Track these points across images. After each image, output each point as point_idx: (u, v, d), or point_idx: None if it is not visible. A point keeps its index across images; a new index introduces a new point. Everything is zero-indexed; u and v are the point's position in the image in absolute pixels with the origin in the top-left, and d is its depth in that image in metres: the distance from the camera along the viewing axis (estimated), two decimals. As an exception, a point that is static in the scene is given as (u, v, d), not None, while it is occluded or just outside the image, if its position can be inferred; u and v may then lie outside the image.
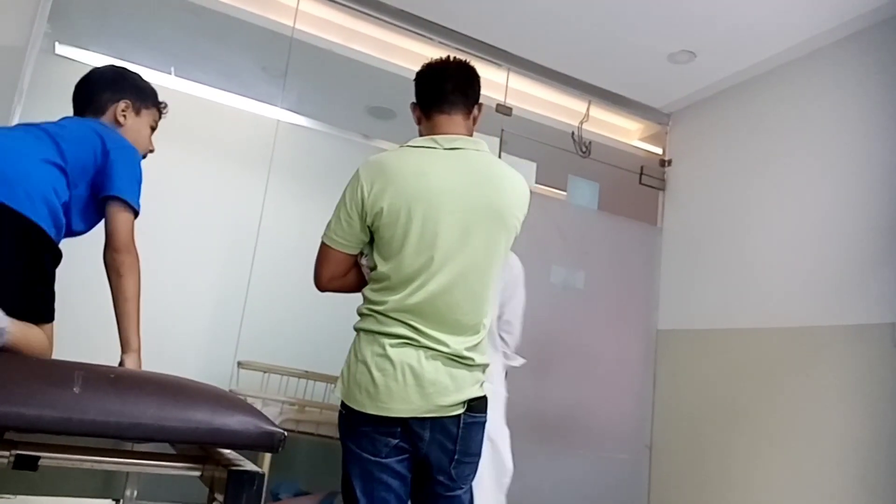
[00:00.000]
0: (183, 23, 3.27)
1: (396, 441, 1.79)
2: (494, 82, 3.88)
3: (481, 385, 1.88)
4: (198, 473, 1.40)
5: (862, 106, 3.13)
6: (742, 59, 3.64)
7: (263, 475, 1.31)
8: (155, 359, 2.16)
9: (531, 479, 3.57)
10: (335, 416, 2.52)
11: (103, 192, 1.72)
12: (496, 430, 2.46)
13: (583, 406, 3.70)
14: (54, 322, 1.66)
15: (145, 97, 1.96)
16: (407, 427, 1.78)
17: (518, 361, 2.64)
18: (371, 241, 1.88)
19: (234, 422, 1.29)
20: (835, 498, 2.86)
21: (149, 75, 3.10)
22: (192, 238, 3.21)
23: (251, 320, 3.14)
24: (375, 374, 1.75)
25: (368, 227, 1.83)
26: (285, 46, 3.32)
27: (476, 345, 1.85)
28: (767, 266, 3.41)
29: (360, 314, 1.87)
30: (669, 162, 4.29)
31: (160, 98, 2.03)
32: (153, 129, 1.99)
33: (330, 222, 1.89)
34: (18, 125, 1.76)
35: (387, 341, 1.77)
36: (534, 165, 3.83)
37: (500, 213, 1.87)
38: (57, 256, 1.65)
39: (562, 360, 3.15)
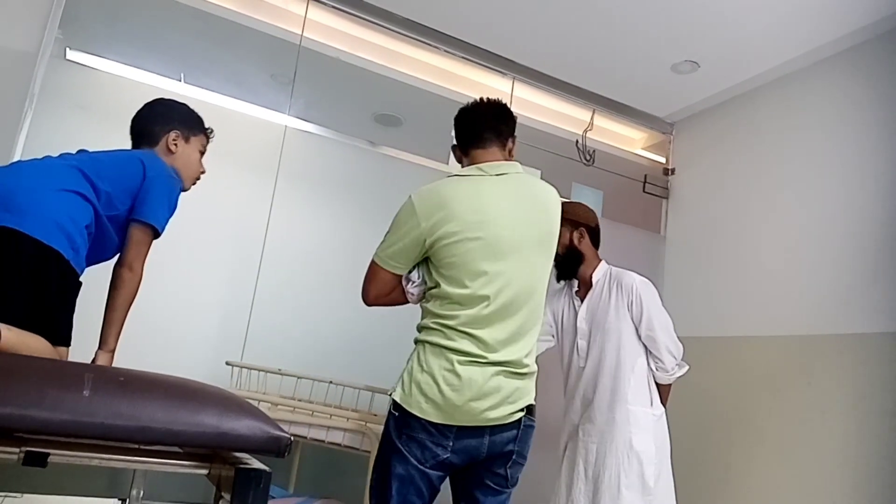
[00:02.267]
0: (193, 30, 3.30)
1: (446, 456, 1.90)
2: (499, 90, 3.90)
3: (534, 393, 2.01)
4: (205, 472, 1.41)
5: (864, 115, 3.15)
6: (745, 69, 3.67)
7: (270, 474, 1.33)
8: (160, 360, 2.20)
9: (534, 484, 3.59)
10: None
11: (131, 215, 1.87)
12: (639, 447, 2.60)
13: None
14: (69, 348, 1.74)
15: (193, 125, 2.14)
16: (465, 435, 1.89)
17: (665, 379, 2.71)
18: (426, 261, 2.00)
19: (242, 426, 1.31)
20: (835, 507, 2.87)
21: (158, 81, 3.17)
22: (200, 243, 3.23)
23: (257, 325, 3.17)
24: (444, 387, 1.86)
25: (427, 250, 1.95)
26: (293, 54, 3.36)
27: (531, 351, 1.99)
28: (770, 274, 3.42)
29: (424, 328, 1.97)
30: (673, 171, 4.32)
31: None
32: (202, 153, 2.17)
33: (383, 244, 2.02)
34: (66, 154, 1.90)
35: (455, 357, 1.88)
36: (538, 173, 3.85)
37: (548, 225, 2.05)
38: (72, 277, 1.73)
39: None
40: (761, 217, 3.56)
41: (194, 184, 2.17)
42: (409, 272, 2.02)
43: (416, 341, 1.97)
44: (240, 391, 2.65)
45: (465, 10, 3.45)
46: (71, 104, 3.06)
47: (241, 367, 2.76)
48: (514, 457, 1.96)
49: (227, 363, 2.77)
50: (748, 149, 3.75)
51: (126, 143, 2.14)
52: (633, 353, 2.66)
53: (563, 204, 2.90)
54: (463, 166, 2.13)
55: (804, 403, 3.10)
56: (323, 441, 2.61)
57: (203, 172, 2.18)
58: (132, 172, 1.88)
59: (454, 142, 2.16)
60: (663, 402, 2.72)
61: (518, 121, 3.76)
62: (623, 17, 3.33)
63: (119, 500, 2.91)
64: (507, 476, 1.97)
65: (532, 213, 2.00)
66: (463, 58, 3.75)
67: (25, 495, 2.69)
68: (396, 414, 1.92)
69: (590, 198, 4.04)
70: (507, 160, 2.09)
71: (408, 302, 2.07)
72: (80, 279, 1.78)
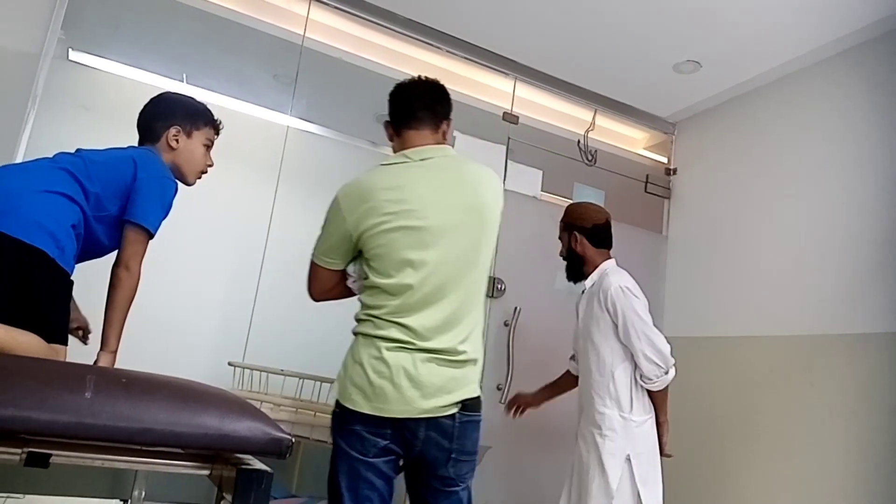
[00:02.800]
0: (195, 31, 3.30)
1: (386, 443, 1.88)
2: (501, 91, 3.91)
3: (476, 385, 1.96)
4: (207, 472, 1.42)
5: (866, 115, 3.14)
6: (747, 69, 3.66)
7: (272, 474, 1.34)
8: (163, 361, 2.21)
9: (536, 484, 3.59)
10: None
11: (123, 216, 1.86)
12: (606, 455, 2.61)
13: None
14: (66, 346, 1.75)
15: (196, 119, 2.09)
16: (400, 427, 1.87)
17: (650, 386, 2.64)
18: (360, 255, 2.00)
19: (243, 427, 1.31)
20: (837, 507, 2.87)
21: (160, 82, 3.17)
22: (202, 243, 3.23)
23: (260, 325, 3.17)
24: (371, 375, 1.85)
25: (355, 243, 1.96)
26: (296, 55, 3.36)
27: (468, 337, 1.94)
28: (772, 274, 3.42)
29: (358, 319, 1.97)
30: (675, 171, 4.31)
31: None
32: (208, 146, 2.13)
33: (317, 243, 2.04)
34: (61, 154, 1.89)
35: (383, 344, 1.87)
36: (540, 173, 3.85)
37: (479, 209, 1.98)
38: (61, 275, 1.73)
39: (565, 366, 3.18)
40: (763, 217, 3.55)
41: (199, 178, 2.15)
42: (347, 267, 2.03)
43: (353, 333, 1.97)
44: (242, 392, 2.66)
45: (467, 11, 3.45)
46: (73, 105, 3.06)
47: (244, 368, 2.76)
48: (452, 456, 1.91)
49: (230, 363, 2.78)
50: (750, 149, 3.75)
51: (128, 144, 2.14)
52: (612, 358, 2.66)
53: (566, 207, 2.93)
54: (394, 146, 2.12)
55: (807, 404, 3.10)
56: (326, 442, 2.61)
57: (210, 165, 2.15)
58: (123, 172, 1.87)
59: (387, 118, 2.13)
60: (658, 409, 2.69)
61: (520, 121, 3.83)
62: (625, 17, 3.32)
63: (121, 500, 2.91)
64: (453, 476, 1.93)
65: (459, 196, 1.96)
66: (465, 58, 3.75)
67: (27, 496, 2.69)
68: (337, 410, 1.93)
69: (591, 197, 4.03)
70: (438, 143, 2.06)
71: (354, 294, 2.08)
72: (72, 278, 1.78)
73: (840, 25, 3.19)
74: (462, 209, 1.95)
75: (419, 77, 2.13)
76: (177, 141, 2.05)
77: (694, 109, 4.17)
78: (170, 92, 2.15)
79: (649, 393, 2.67)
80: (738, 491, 3.32)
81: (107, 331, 1.83)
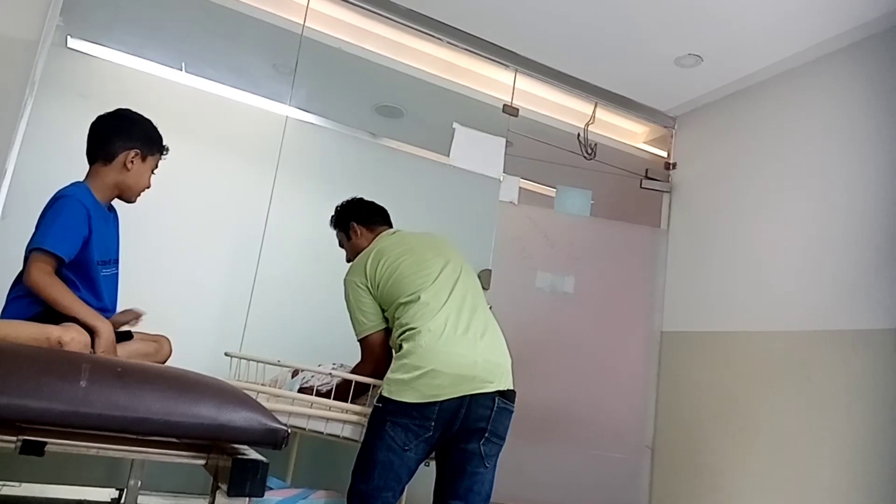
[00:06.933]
0: (194, 19, 3.28)
1: (429, 433, 2.22)
2: (501, 83, 3.89)
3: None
4: (202, 462, 1.42)
5: (868, 111, 3.13)
6: (749, 63, 3.65)
7: (267, 464, 1.34)
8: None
9: (533, 477, 3.59)
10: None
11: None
12: None
13: (581, 406, 3.71)
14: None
15: (152, 145, 2.19)
16: (443, 410, 2.22)
17: None
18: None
19: (239, 418, 1.31)
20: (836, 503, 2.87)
21: (159, 71, 3.16)
22: (200, 233, 3.23)
23: (257, 315, 3.17)
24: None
25: (379, 297, 2.48)
26: (295, 44, 3.33)
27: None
28: (772, 269, 3.42)
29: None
30: (674, 165, 4.30)
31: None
32: (153, 170, 2.23)
33: (357, 322, 2.50)
34: None
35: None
36: (517, 179, 3.85)
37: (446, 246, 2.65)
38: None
39: (562, 361, 3.18)
40: (763, 212, 3.55)
41: (139, 196, 2.22)
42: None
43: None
44: (238, 382, 2.65)
45: (468, 1, 3.43)
46: (72, 92, 3.05)
47: (240, 359, 2.76)
48: (486, 434, 2.34)
49: (226, 354, 2.77)
50: (750, 144, 3.74)
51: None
52: None
53: None
54: (359, 242, 2.72)
55: (805, 399, 3.10)
56: (321, 433, 2.61)
57: (148, 187, 2.22)
58: None
59: (353, 222, 2.76)
60: None
61: (520, 113, 3.82)
62: (626, 9, 3.31)
63: (117, 489, 2.92)
64: (482, 454, 2.29)
65: (432, 239, 2.65)
66: (465, 49, 3.72)
67: (24, 484, 2.70)
68: (380, 405, 2.34)
69: (576, 198, 4.02)
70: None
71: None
72: None
73: (843, 20, 3.17)
74: (438, 246, 2.61)
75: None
76: (132, 163, 2.11)
77: (695, 104, 4.16)
78: (130, 111, 2.19)
79: None
80: (734, 485, 3.33)
81: (86, 320, 1.84)
